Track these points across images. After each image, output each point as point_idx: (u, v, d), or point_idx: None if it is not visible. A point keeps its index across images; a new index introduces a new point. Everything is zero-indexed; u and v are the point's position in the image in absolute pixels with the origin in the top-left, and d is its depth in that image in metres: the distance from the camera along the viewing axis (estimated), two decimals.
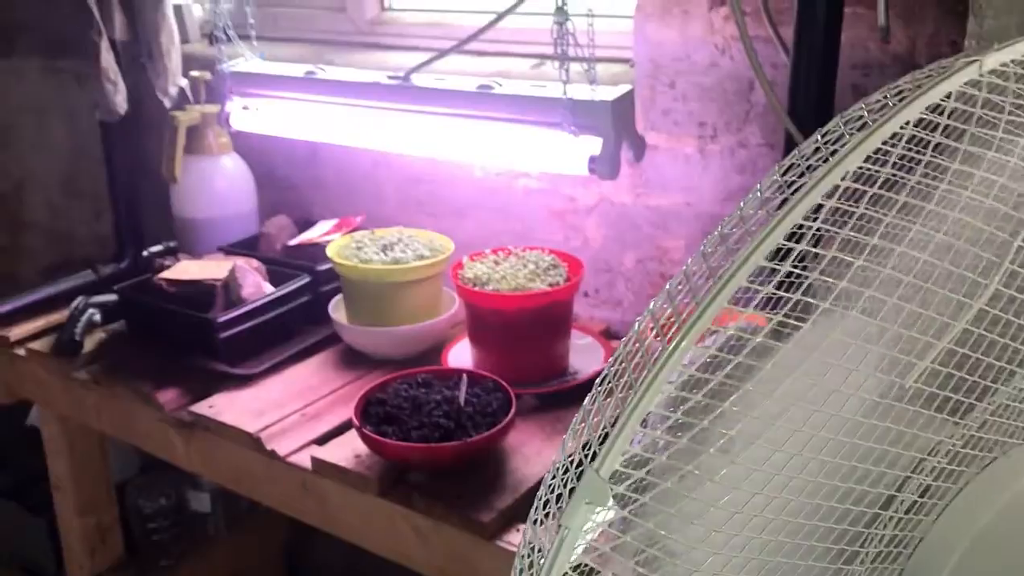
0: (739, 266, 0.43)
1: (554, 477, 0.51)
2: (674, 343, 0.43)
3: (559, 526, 0.45)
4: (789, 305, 0.45)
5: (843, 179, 0.43)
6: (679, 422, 0.45)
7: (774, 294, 0.44)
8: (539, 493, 0.53)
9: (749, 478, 0.44)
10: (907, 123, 0.44)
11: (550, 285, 1.23)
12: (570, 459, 0.49)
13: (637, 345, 0.50)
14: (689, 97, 1.28)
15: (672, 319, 0.44)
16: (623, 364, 0.50)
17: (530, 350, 1.24)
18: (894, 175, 0.45)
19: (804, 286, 0.45)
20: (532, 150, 1.25)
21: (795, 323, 0.45)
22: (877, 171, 0.44)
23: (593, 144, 1.17)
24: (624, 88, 1.18)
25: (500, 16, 1.22)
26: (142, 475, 1.79)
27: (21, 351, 1.48)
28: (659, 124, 1.30)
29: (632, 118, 1.21)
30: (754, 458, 0.44)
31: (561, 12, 1.09)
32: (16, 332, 1.50)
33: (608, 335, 1.39)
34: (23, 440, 1.77)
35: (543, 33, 1.26)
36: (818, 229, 0.44)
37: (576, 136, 1.17)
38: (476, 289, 1.24)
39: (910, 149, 0.45)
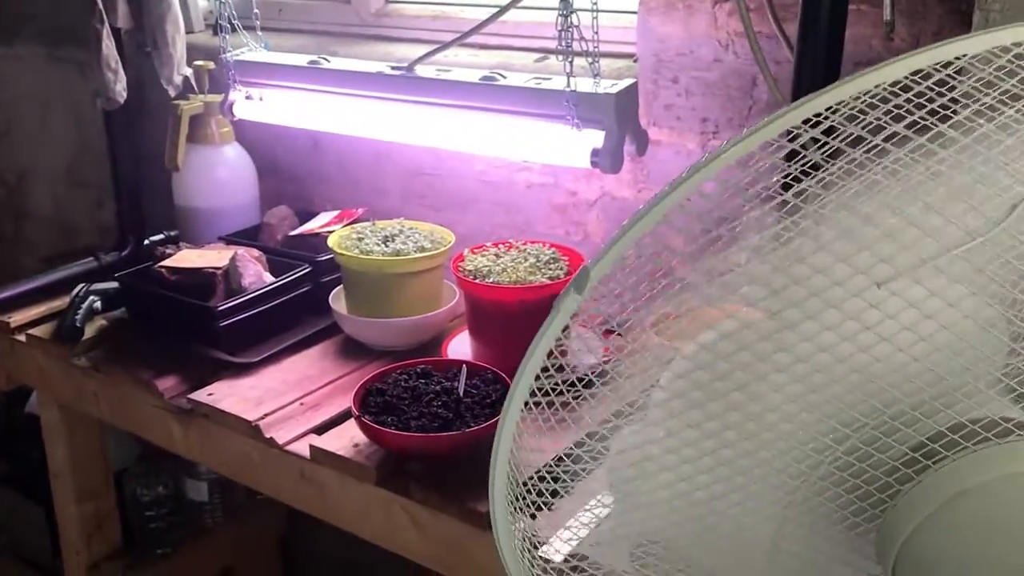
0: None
1: None
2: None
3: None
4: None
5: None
6: None
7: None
8: None
9: None
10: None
11: (550, 278, 1.23)
12: None
13: None
14: (692, 92, 1.28)
15: None
16: None
17: (530, 343, 1.24)
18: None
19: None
20: (535, 143, 1.25)
21: None
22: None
23: (596, 138, 1.17)
24: (628, 82, 1.19)
25: (504, 9, 1.23)
26: (140, 463, 1.79)
27: (21, 337, 1.48)
28: (662, 119, 1.30)
29: (635, 112, 1.21)
30: None
31: (566, 4, 1.09)
32: (17, 318, 1.50)
33: (608, 329, 1.39)
34: (22, 428, 1.77)
35: (546, 27, 1.26)
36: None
37: (579, 130, 1.18)
38: (477, 281, 1.24)
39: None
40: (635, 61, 1.31)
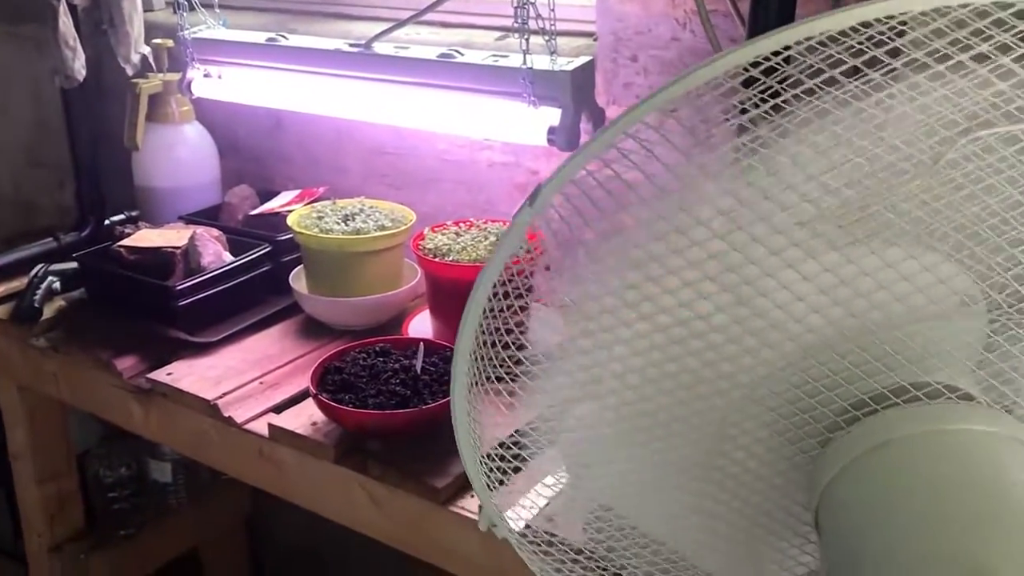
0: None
1: None
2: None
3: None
4: None
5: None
6: None
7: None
8: None
9: None
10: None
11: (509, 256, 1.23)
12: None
13: None
14: (651, 71, 1.28)
15: None
16: None
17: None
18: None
19: None
20: (492, 120, 1.25)
21: None
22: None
23: (552, 115, 1.18)
24: (584, 59, 1.19)
25: None
26: (103, 445, 1.78)
27: None
28: (621, 98, 1.31)
29: (592, 90, 1.21)
30: None
31: None
32: None
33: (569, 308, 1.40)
34: None
35: (508, 5, 1.25)
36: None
37: (536, 107, 1.18)
38: (437, 260, 1.24)
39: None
40: (595, 40, 1.31)
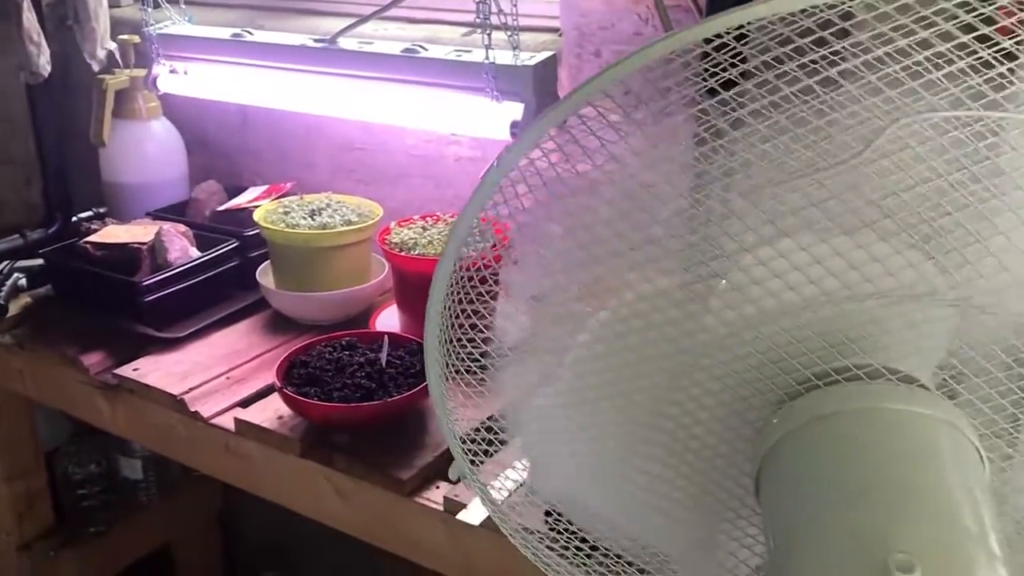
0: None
1: None
2: None
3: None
4: None
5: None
6: None
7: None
8: None
9: None
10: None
11: (475, 250, 1.24)
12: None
13: None
14: None
15: None
16: None
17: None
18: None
19: None
20: (456, 115, 1.26)
21: None
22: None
23: (515, 109, 1.19)
24: (546, 54, 1.20)
25: None
26: (72, 442, 1.78)
27: None
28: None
29: (554, 84, 1.23)
30: None
31: None
32: None
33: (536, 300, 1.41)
34: None
35: (472, 1, 1.26)
36: None
37: (499, 102, 1.19)
38: (402, 254, 1.25)
39: None
40: (559, 35, 1.32)
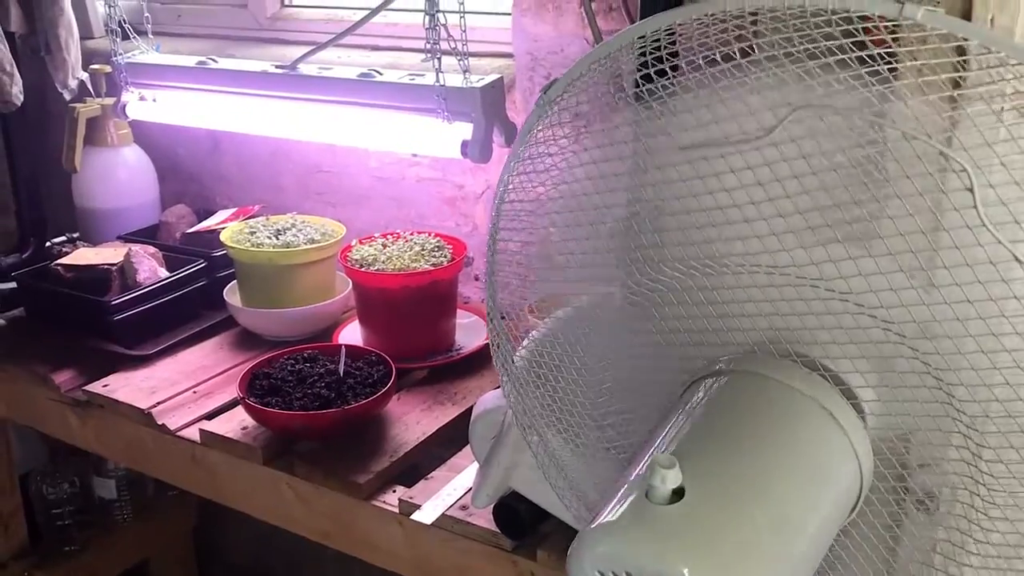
0: None
1: None
2: None
3: None
4: None
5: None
6: None
7: None
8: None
9: None
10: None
11: (433, 265, 1.29)
12: None
13: None
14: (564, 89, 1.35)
15: None
16: None
17: (415, 327, 1.31)
18: None
19: None
20: (412, 136, 1.32)
21: None
22: None
23: (465, 129, 1.24)
24: (492, 77, 1.26)
25: (374, 12, 1.31)
26: (47, 463, 1.80)
27: None
28: None
29: (503, 105, 1.28)
30: None
31: (431, 4, 1.16)
32: None
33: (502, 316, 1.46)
34: None
35: None
36: None
37: (450, 122, 1.24)
38: (363, 270, 1.30)
39: None
40: (513, 60, 1.38)
